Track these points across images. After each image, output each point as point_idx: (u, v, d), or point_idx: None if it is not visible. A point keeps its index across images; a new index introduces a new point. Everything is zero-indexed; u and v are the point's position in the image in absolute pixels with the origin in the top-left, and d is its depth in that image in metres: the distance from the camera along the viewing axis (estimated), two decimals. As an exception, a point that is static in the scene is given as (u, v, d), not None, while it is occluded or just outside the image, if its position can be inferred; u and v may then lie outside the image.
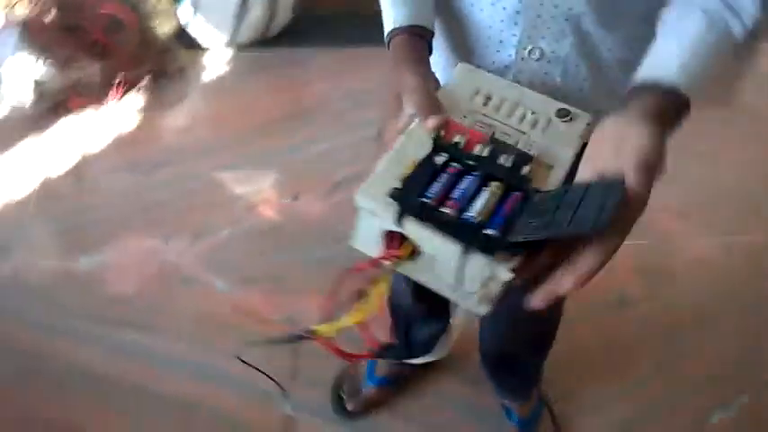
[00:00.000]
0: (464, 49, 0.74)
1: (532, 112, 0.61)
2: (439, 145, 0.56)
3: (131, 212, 1.89)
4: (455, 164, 0.55)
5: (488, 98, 0.63)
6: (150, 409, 1.38)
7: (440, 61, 0.77)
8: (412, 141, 0.57)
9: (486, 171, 0.54)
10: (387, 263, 0.53)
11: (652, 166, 0.48)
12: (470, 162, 0.55)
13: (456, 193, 0.52)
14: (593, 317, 1.51)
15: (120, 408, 1.39)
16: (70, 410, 1.38)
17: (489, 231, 0.49)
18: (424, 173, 0.54)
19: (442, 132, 0.57)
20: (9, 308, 1.61)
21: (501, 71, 0.71)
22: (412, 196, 0.52)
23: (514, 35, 0.68)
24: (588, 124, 0.61)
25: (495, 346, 1.22)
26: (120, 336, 1.53)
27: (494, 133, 0.59)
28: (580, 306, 1.36)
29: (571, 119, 0.61)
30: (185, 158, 2.06)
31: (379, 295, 0.54)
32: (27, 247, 1.78)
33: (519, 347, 1.19)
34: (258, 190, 1.95)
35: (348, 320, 0.51)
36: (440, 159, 0.55)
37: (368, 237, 0.55)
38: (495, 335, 1.18)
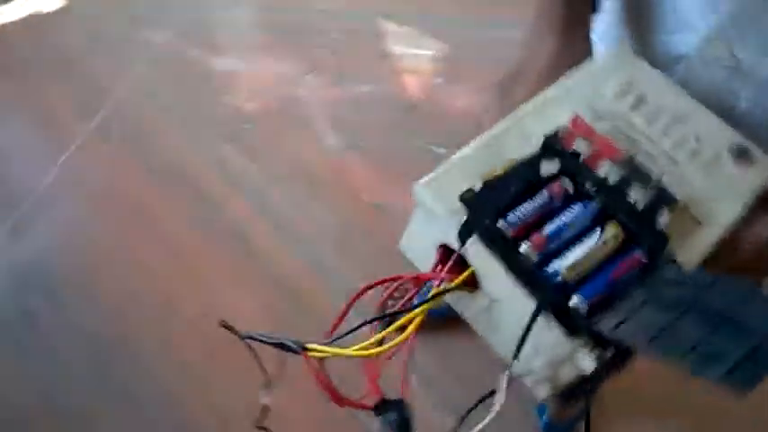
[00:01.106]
0: (637, 13, 0.57)
1: (697, 139, 0.45)
2: (551, 147, 0.42)
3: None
4: (566, 181, 0.41)
5: (641, 101, 0.47)
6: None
7: (603, 26, 0.59)
8: (516, 131, 0.45)
9: (606, 205, 0.40)
10: (435, 284, 0.40)
11: None
12: (588, 185, 0.41)
13: (550, 228, 0.39)
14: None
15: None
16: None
17: (575, 302, 0.36)
18: (518, 180, 0.41)
19: (562, 132, 0.43)
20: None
21: (669, 60, 0.54)
22: (489, 210, 0.39)
23: (707, 22, 0.50)
24: None
25: None
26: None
27: (634, 153, 0.43)
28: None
29: (750, 162, 0.45)
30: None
31: (409, 330, 0.39)
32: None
33: None
34: (414, 55, 1.74)
35: (353, 352, 0.38)
36: (547, 168, 0.42)
37: (421, 243, 0.44)
38: None
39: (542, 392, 0.40)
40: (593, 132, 0.43)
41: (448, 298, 0.42)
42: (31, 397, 1.24)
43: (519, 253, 0.37)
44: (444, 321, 1.22)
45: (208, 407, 1.20)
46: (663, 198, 0.41)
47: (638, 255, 0.38)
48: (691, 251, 0.41)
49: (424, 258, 0.43)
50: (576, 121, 0.43)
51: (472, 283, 0.41)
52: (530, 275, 0.37)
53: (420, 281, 0.41)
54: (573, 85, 0.48)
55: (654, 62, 0.54)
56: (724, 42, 0.49)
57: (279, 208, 1.47)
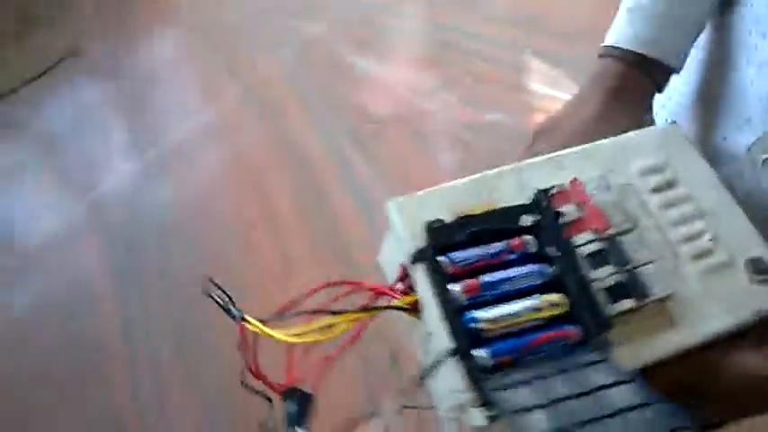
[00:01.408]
0: (704, 101, 0.55)
1: (714, 239, 0.42)
2: (537, 202, 0.41)
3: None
4: (529, 238, 0.40)
5: (669, 185, 0.44)
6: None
7: (666, 102, 0.58)
8: (514, 177, 0.44)
9: (562, 275, 0.38)
10: (385, 299, 0.41)
11: None
12: (552, 249, 0.39)
13: (489, 277, 0.38)
14: None
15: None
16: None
17: (480, 353, 0.35)
18: (488, 223, 0.40)
19: (557, 191, 0.41)
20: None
21: (723, 157, 0.51)
22: (439, 244, 0.39)
23: (763, 122, 0.47)
24: None
25: None
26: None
27: (623, 231, 0.41)
28: None
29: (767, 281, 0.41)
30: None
31: (333, 333, 0.39)
32: None
33: None
34: (551, 96, 1.70)
35: (278, 335, 0.39)
36: (524, 220, 0.40)
37: (390, 258, 0.44)
38: None
39: None
40: (587, 199, 0.41)
41: (399, 321, 0.42)
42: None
43: (448, 291, 0.37)
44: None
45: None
46: (632, 284, 0.39)
47: (574, 331, 0.37)
48: (647, 348, 0.38)
49: (393, 274, 0.43)
50: (574, 183, 0.42)
51: (415, 309, 0.40)
52: (453, 316, 0.37)
53: (375, 292, 0.40)
54: (597, 150, 0.45)
55: (708, 156, 0.52)
56: None
57: (375, 207, 1.51)
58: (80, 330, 1.41)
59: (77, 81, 1.92)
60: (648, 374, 0.40)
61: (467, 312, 0.37)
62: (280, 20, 2.03)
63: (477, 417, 0.34)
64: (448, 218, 0.40)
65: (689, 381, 0.41)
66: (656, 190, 0.44)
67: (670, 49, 0.51)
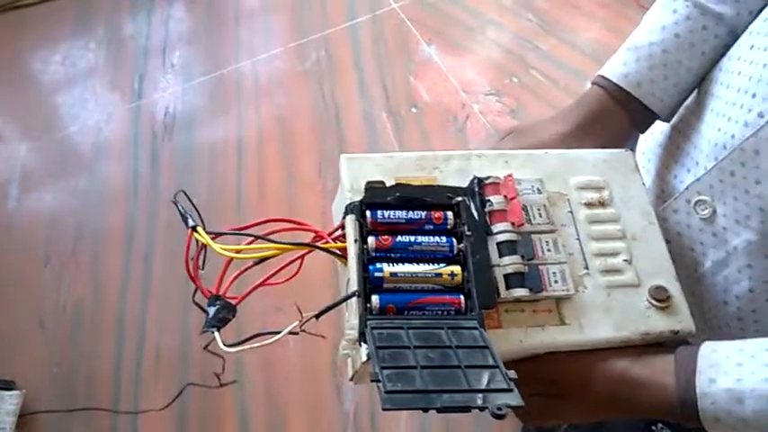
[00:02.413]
0: (666, 143, 0.58)
1: (627, 260, 0.45)
2: (470, 189, 0.45)
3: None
4: (449, 214, 0.44)
5: (601, 204, 0.48)
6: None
7: (646, 137, 0.62)
8: (461, 162, 0.48)
9: (467, 252, 0.42)
10: (311, 247, 0.45)
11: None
12: (467, 230, 0.43)
13: (402, 238, 0.43)
14: None
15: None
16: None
17: (373, 299, 0.40)
18: (417, 197, 0.44)
19: (490, 180, 0.46)
20: None
21: (663, 195, 0.56)
22: (372, 202, 0.43)
23: (704, 167, 0.50)
24: (675, 333, 0.44)
25: None
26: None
27: (540, 231, 0.44)
28: None
29: (664, 309, 0.44)
30: None
31: (265, 251, 0.44)
32: None
33: None
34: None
35: (218, 248, 0.43)
36: (454, 200, 0.45)
37: (338, 208, 0.48)
38: None
39: (349, 371, 0.45)
40: (515, 195, 0.45)
41: (340, 263, 0.46)
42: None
43: (366, 240, 0.42)
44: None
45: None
46: (531, 277, 0.42)
47: (459, 300, 0.40)
48: (528, 337, 0.41)
49: (337, 222, 0.47)
50: (508, 178, 0.45)
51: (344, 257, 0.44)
52: (362, 264, 0.41)
53: (316, 234, 0.45)
54: (544, 158, 0.49)
55: (655, 191, 0.55)
56: (709, 194, 0.49)
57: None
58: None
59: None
60: (522, 362, 0.43)
61: (376, 263, 0.41)
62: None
63: (362, 352, 0.39)
64: (389, 182, 0.45)
65: (557, 376, 0.43)
66: (588, 205, 0.47)
67: (655, 92, 0.53)
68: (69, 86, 1.79)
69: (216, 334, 0.42)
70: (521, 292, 0.41)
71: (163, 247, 1.44)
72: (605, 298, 0.44)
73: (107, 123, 1.67)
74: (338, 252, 0.44)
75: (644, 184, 0.51)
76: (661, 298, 0.44)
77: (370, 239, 0.42)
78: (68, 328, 1.32)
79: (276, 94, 1.76)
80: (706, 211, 0.49)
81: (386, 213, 0.43)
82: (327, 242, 0.44)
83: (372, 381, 0.33)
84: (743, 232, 0.47)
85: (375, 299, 0.40)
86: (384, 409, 0.32)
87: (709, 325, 0.49)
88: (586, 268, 0.45)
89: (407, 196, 0.44)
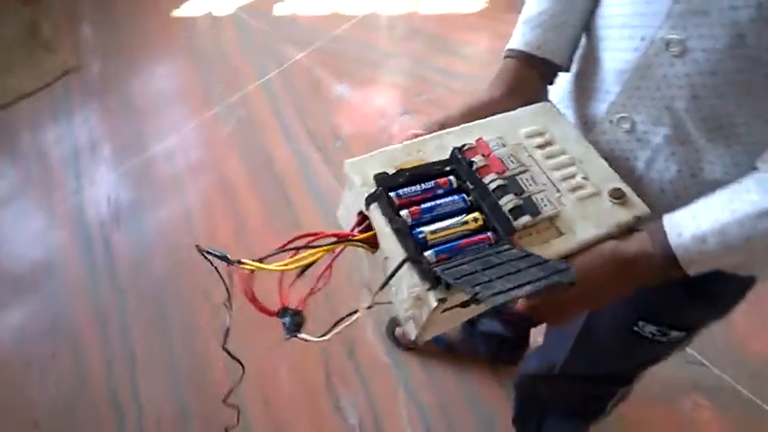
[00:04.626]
0: (580, 86, 0.69)
1: (584, 177, 0.57)
2: (454, 157, 0.55)
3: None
4: (453, 178, 0.53)
5: (548, 143, 0.59)
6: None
7: (559, 92, 0.72)
8: (437, 141, 0.57)
9: (476, 200, 0.52)
10: (346, 242, 0.51)
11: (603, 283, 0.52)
12: (470, 185, 0.53)
13: (427, 204, 0.51)
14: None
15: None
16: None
17: (427, 254, 0.47)
18: (420, 173, 0.52)
19: (466, 147, 0.55)
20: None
21: (588, 125, 0.66)
22: (388, 187, 0.51)
23: (615, 92, 0.62)
24: (638, 218, 0.55)
25: (530, 377, 1.10)
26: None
27: (518, 173, 0.55)
28: None
29: (623, 203, 0.56)
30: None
31: (309, 258, 0.50)
32: None
33: (552, 395, 1.08)
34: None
35: (273, 267, 0.49)
36: (445, 168, 0.54)
37: (348, 213, 0.55)
38: (532, 367, 1.06)
39: (411, 331, 0.51)
40: (489, 152, 0.56)
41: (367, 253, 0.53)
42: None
43: (399, 216, 0.49)
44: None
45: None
46: (528, 207, 0.52)
47: (489, 235, 0.50)
48: (544, 250, 0.51)
49: (348, 224, 0.54)
50: (479, 141, 0.56)
51: (374, 245, 0.51)
52: (404, 233, 0.49)
53: (338, 236, 0.51)
54: (495, 121, 0.60)
55: (580, 124, 0.66)
56: (625, 111, 0.60)
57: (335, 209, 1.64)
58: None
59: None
60: None
61: (415, 229, 0.49)
62: (270, 45, 2.21)
63: (431, 299, 0.46)
64: (389, 171, 0.52)
65: None
66: (540, 146, 0.58)
67: (554, 50, 0.65)
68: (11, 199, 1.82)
69: (302, 336, 0.48)
70: (525, 219, 0.51)
71: (138, 323, 1.49)
72: (581, 208, 0.54)
73: (53, 224, 1.71)
74: (365, 244, 0.51)
75: (570, 121, 0.62)
76: (618, 196, 0.55)
77: (404, 212, 0.49)
78: (63, 425, 1.34)
79: (207, 158, 1.86)
80: (627, 125, 0.60)
81: (405, 191, 0.51)
82: (351, 237, 0.51)
83: (469, 300, 0.41)
84: (659, 130, 0.58)
85: (429, 253, 0.47)
86: (494, 306, 0.40)
87: (656, 212, 0.58)
88: (558, 191, 0.55)
89: (416, 173, 0.52)
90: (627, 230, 0.54)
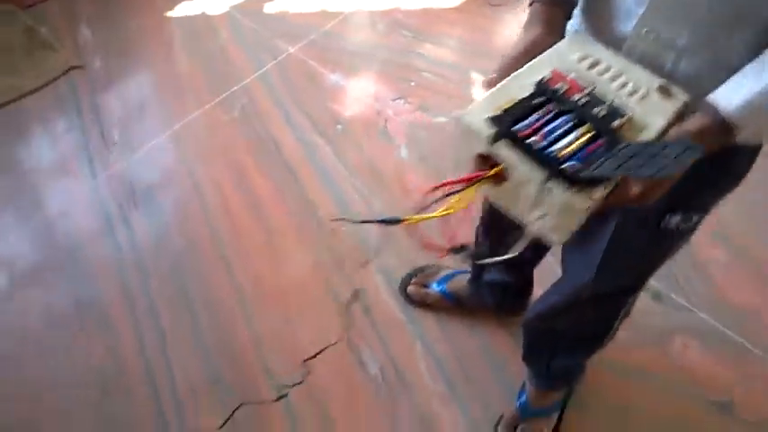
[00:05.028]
0: (595, 14, 0.76)
1: (633, 83, 0.65)
2: (541, 89, 0.62)
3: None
4: (552, 105, 0.61)
5: (595, 64, 0.68)
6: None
7: (574, 25, 0.80)
8: (516, 84, 0.64)
9: (580, 116, 0.60)
10: (474, 182, 0.59)
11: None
12: (566, 107, 0.61)
13: (546, 128, 0.58)
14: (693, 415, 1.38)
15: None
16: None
17: (568, 164, 0.55)
18: (522, 108, 0.60)
19: (546, 79, 0.63)
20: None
21: (617, 42, 0.73)
22: (507, 124, 0.58)
23: (640, 11, 0.69)
24: (686, 103, 0.64)
25: (548, 314, 1.16)
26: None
27: (592, 89, 0.63)
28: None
29: (670, 95, 0.64)
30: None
31: (465, 198, 0.58)
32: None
33: (570, 325, 1.15)
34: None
35: (434, 214, 0.57)
36: (539, 100, 0.61)
37: (464, 158, 0.62)
38: (552, 303, 1.14)
39: (556, 237, 0.59)
40: (565, 78, 0.64)
41: (487, 192, 0.61)
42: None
43: (531, 143, 0.57)
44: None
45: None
46: (615, 112, 0.61)
47: (602, 141, 0.58)
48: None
49: (466, 170, 0.61)
50: (555, 72, 0.65)
51: (499, 178, 0.59)
52: (538, 156, 0.56)
53: (469, 179, 0.58)
54: (548, 55, 0.68)
55: (608, 43, 0.74)
56: (650, 25, 0.69)
57: (348, 197, 1.78)
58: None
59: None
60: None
61: (545, 150, 0.56)
62: (265, 39, 2.33)
63: (580, 200, 0.54)
64: (498, 113, 0.60)
65: None
66: (591, 66, 0.67)
67: None
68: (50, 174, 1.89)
69: (491, 260, 0.60)
70: (618, 121, 0.59)
71: (164, 301, 1.59)
72: (644, 107, 0.62)
73: (73, 208, 1.80)
74: (496, 177, 0.58)
75: (601, 43, 0.70)
76: (665, 91, 0.64)
77: (533, 138, 0.56)
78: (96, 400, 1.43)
79: (214, 143, 1.97)
80: (653, 35, 0.67)
81: (524, 122, 0.58)
82: (479, 176, 0.58)
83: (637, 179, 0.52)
84: (683, 34, 0.65)
85: (569, 163, 0.54)
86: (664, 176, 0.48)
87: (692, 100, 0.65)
88: (621, 98, 0.63)
89: (522, 108, 0.59)
90: (680, 116, 0.63)
